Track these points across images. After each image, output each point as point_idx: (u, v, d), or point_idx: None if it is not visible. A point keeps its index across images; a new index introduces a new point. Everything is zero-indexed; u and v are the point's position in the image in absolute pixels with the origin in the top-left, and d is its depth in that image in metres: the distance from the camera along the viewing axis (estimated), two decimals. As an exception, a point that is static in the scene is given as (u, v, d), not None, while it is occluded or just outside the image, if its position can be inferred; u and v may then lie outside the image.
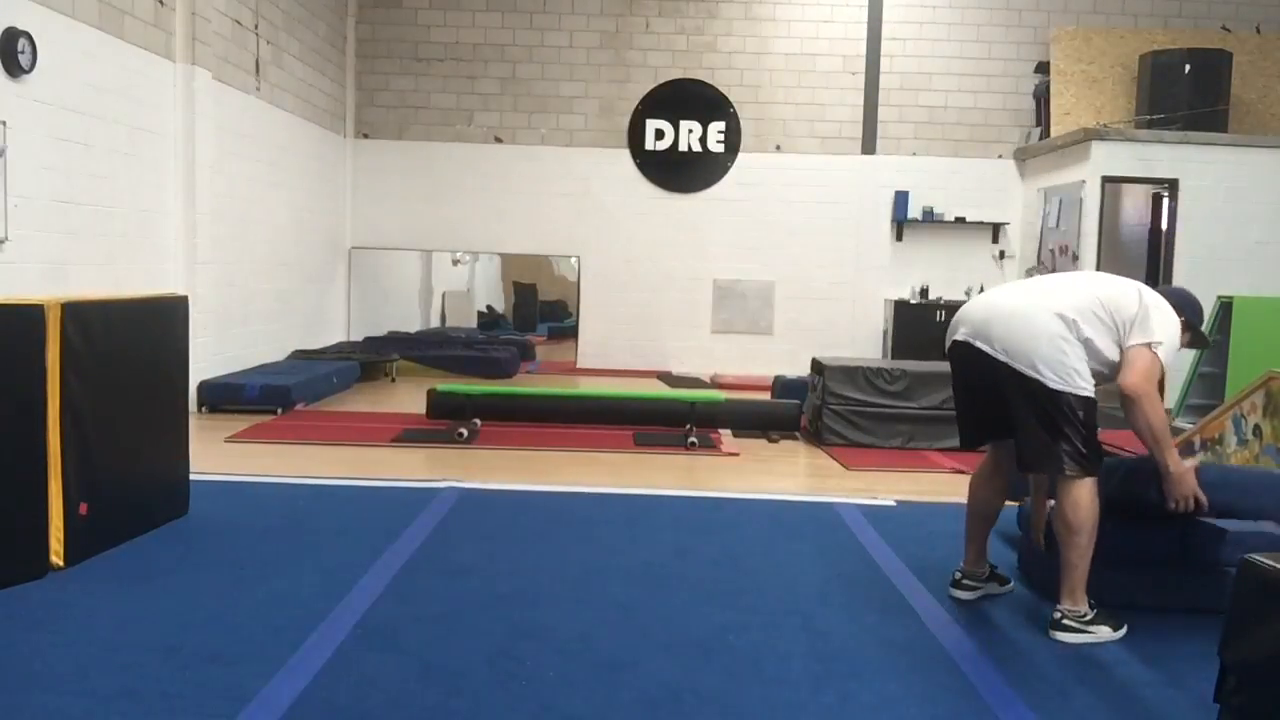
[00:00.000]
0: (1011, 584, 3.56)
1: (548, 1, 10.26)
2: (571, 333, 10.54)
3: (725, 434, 6.69)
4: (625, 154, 10.27)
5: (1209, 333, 7.49)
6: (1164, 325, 3.07)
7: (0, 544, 3.23)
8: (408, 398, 7.90)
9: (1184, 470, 3.07)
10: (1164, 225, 9.40)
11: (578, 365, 10.41)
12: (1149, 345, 3.03)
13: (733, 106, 10.29)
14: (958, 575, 3.48)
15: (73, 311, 3.47)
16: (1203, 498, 3.07)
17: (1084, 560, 3.09)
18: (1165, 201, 9.38)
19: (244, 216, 7.82)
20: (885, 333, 10.28)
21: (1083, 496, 3.07)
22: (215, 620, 3.02)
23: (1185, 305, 3.26)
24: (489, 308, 10.89)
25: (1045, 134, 9.79)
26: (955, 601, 3.41)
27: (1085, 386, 3.06)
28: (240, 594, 3.27)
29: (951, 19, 10.20)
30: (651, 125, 10.29)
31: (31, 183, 5.36)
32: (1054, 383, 3.04)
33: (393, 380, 9.13)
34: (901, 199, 10.21)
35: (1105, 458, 3.23)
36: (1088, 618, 3.09)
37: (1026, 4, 10.17)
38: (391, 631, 2.97)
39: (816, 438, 6.49)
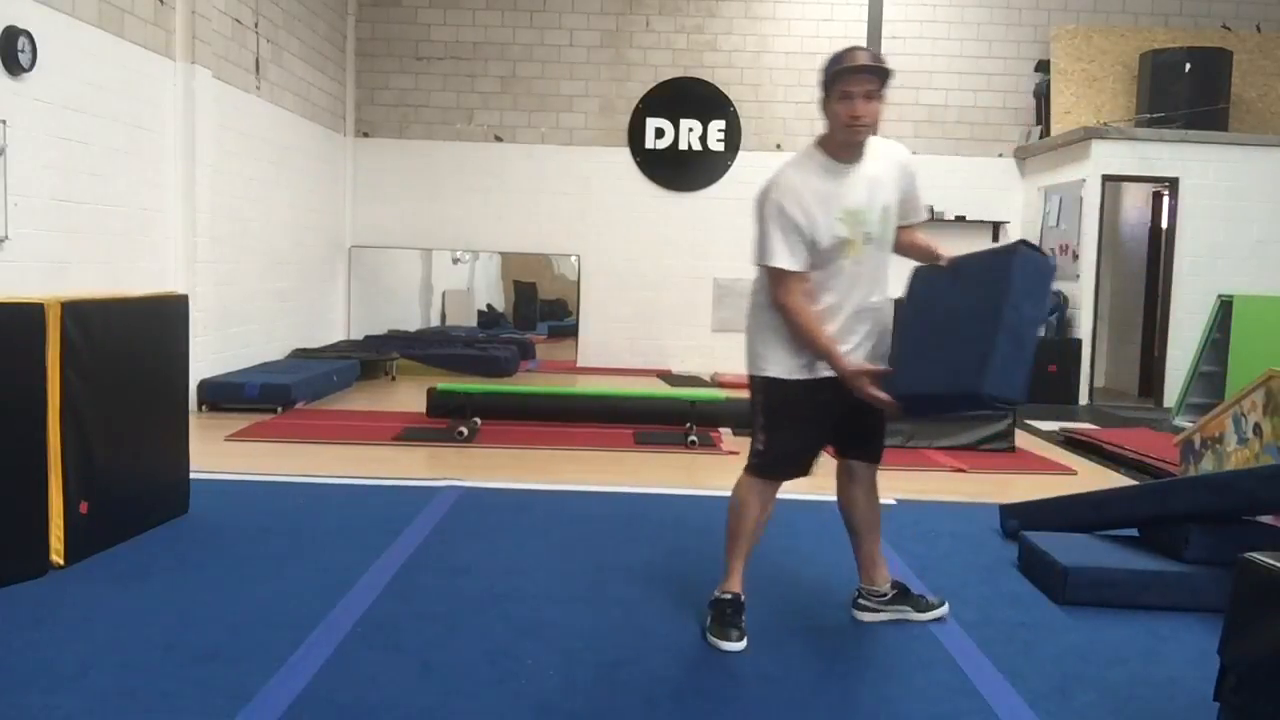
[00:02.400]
0: (942, 610, 3.19)
1: (548, 0, 10.26)
2: (572, 331, 10.54)
3: (726, 433, 6.69)
4: (625, 153, 10.27)
5: (1208, 331, 7.52)
6: (761, 240, 2.88)
7: (0, 542, 3.23)
8: (408, 396, 7.90)
9: (853, 370, 2.82)
10: (1164, 224, 9.40)
11: (578, 364, 10.41)
12: (761, 266, 2.91)
13: (733, 105, 10.28)
14: (855, 593, 3.26)
15: (73, 310, 3.47)
16: (882, 397, 2.81)
17: (732, 544, 3.06)
18: (1166, 200, 9.38)
19: (244, 215, 7.82)
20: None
21: (740, 489, 3.08)
22: (215, 619, 3.02)
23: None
24: (489, 306, 10.88)
25: (1046, 132, 9.79)
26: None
27: (767, 368, 2.98)
28: (240, 593, 3.27)
29: (951, 17, 10.19)
30: (652, 124, 10.28)
31: (31, 181, 5.36)
32: (750, 367, 3.05)
33: (393, 379, 9.13)
34: (902, 198, 10.19)
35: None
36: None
37: (1027, 2, 10.16)
38: (392, 630, 2.97)
39: (816, 436, 6.48)
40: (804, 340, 2.88)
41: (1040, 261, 2.76)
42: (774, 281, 2.88)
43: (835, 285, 2.91)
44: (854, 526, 3.29)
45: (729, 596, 3.02)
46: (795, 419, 3.02)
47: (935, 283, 2.91)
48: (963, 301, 2.74)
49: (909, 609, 3.19)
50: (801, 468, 3.11)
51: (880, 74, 2.78)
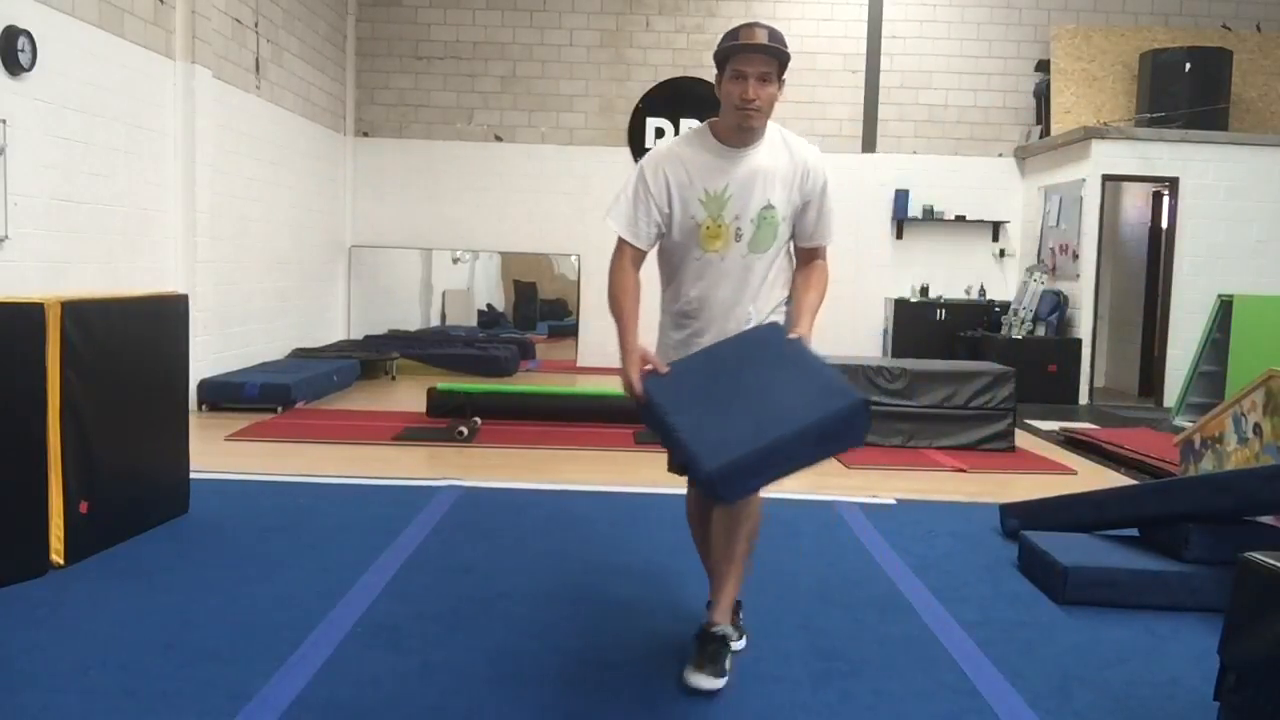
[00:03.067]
0: (704, 682, 2.62)
1: (548, 0, 10.25)
2: (572, 331, 10.54)
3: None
4: (625, 152, 10.26)
5: (1208, 331, 7.52)
6: (615, 199, 2.75)
7: (0, 542, 3.23)
8: (408, 396, 7.90)
9: (629, 364, 2.60)
10: (1164, 224, 9.40)
11: (578, 364, 10.41)
12: None
13: (733, 105, 10.26)
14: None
15: (73, 310, 3.47)
16: (638, 392, 2.57)
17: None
18: (1166, 200, 9.39)
19: (244, 215, 7.82)
20: (885, 331, 10.28)
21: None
22: (215, 618, 3.02)
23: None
24: (489, 306, 10.88)
25: (1046, 132, 9.79)
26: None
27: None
28: (240, 592, 3.27)
29: (951, 17, 10.19)
30: (652, 124, 10.28)
31: (31, 181, 5.36)
32: None
33: (393, 379, 9.13)
34: (902, 197, 10.21)
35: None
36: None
37: (1027, 2, 10.16)
38: (392, 630, 2.97)
39: (817, 436, 6.48)
40: (611, 312, 2.71)
41: (857, 430, 2.46)
42: (616, 247, 2.73)
43: (697, 280, 2.72)
44: (714, 547, 2.84)
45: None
46: None
47: (772, 344, 2.63)
48: (773, 385, 2.46)
49: (695, 644, 2.72)
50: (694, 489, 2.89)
51: (778, 55, 2.57)
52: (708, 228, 2.67)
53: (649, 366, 2.62)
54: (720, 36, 2.67)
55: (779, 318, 2.84)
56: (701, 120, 2.81)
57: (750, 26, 2.60)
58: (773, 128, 2.72)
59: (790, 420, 2.36)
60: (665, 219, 2.69)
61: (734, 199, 2.65)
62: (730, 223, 2.67)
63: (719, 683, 2.62)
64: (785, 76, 2.64)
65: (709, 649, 2.67)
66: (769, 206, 2.67)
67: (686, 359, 2.68)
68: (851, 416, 2.40)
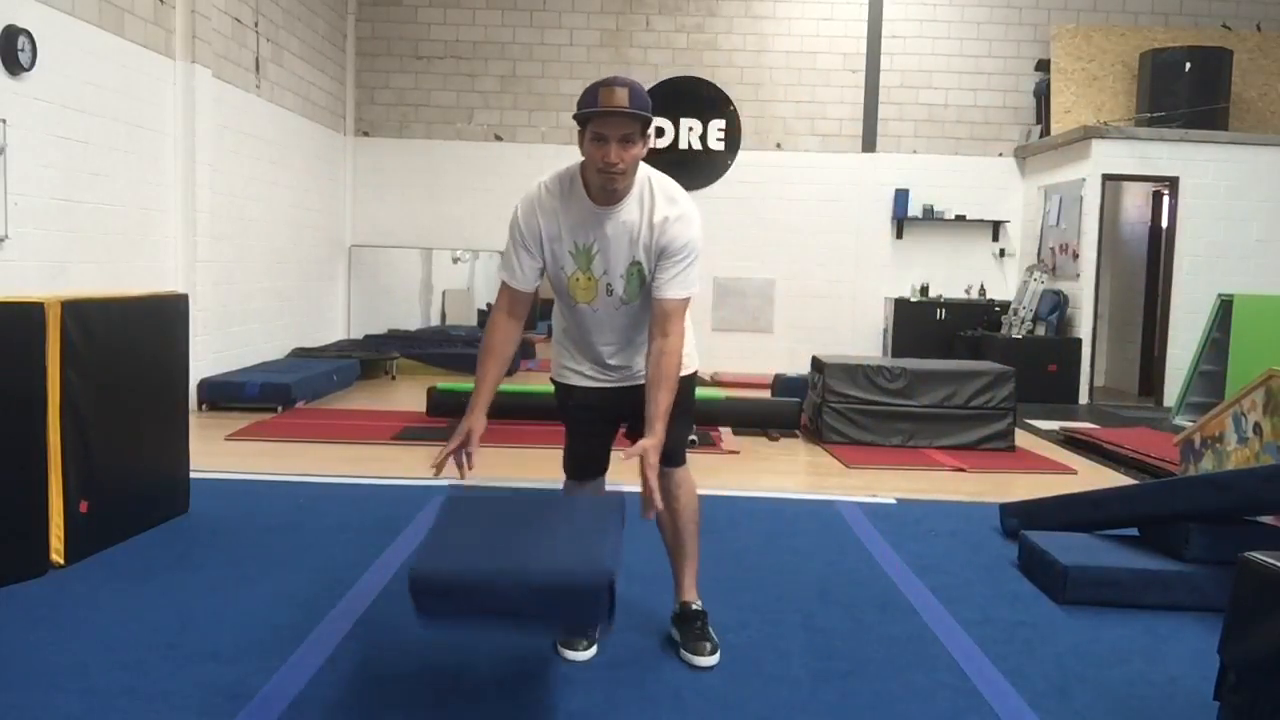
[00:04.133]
0: (703, 660, 2.76)
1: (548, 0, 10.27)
2: (572, 331, 10.52)
3: (725, 432, 6.69)
4: (625, 152, 10.25)
5: (1208, 330, 7.51)
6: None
7: (0, 541, 3.23)
8: (408, 396, 7.90)
9: (461, 430, 2.56)
10: (1164, 223, 9.41)
11: (578, 363, 10.40)
12: None
13: (733, 104, 10.28)
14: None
15: (73, 310, 3.47)
16: (438, 460, 2.52)
17: None
18: (1166, 199, 9.39)
19: (244, 214, 7.82)
20: (885, 331, 10.28)
21: None
22: (215, 618, 3.02)
23: None
24: (489, 306, 10.87)
25: (1045, 132, 9.79)
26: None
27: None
28: (240, 592, 3.27)
29: (951, 16, 10.19)
30: (652, 123, 10.26)
31: (31, 181, 5.36)
32: None
33: (393, 378, 9.13)
34: (901, 197, 10.21)
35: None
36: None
37: (1027, 2, 10.16)
38: (391, 629, 2.97)
39: (817, 436, 6.49)
40: (478, 359, 2.71)
41: (594, 611, 2.20)
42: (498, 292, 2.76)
43: (579, 324, 2.76)
44: (663, 538, 2.97)
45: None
46: (565, 420, 2.95)
47: (584, 508, 2.59)
48: (542, 539, 2.36)
49: (678, 634, 2.86)
50: (574, 469, 2.96)
51: (640, 118, 2.52)
52: (577, 279, 2.67)
53: (465, 449, 2.56)
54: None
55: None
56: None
57: (610, 87, 2.52)
58: (642, 178, 2.66)
59: (523, 569, 2.20)
60: (540, 266, 2.69)
61: (600, 254, 2.64)
62: (600, 276, 2.66)
63: (717, 657, 2.76)
64: (651, 131, 2.59)
65: (695, 627, 2.80)
66: (635, 262, 2.65)
67: (503, 499, 2.61)
68: (587, 593, 2.15)
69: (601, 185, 2.57)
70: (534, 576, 2.17)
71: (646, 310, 2.70)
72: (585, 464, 2.97)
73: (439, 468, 2.52)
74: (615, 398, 2.82)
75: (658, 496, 2.46)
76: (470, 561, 2.25)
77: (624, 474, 3.64)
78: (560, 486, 3.09)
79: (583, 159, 2.64)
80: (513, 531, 2.39)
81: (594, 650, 2.81)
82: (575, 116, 2.57)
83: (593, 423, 2.89)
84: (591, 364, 2.83)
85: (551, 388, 2.99)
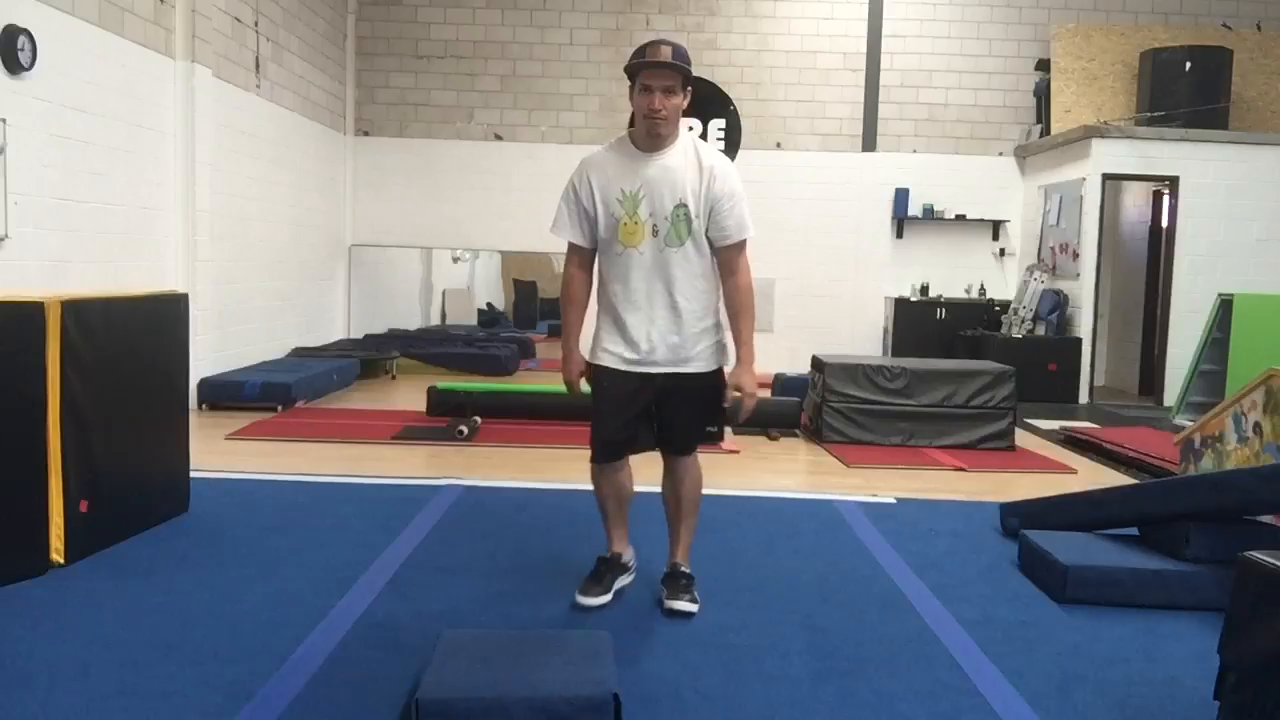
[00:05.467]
0: (685, 606, 3.15)
1: (548, -1, 10.27)
2: (572, 330, 10.52)
3: (725, 431, 6.68)
4: (625, 151, 10.25)
5: (1209, 330, 7.52)
6: (553, 223, 3.20)
7: (1, 540, 3.23)
8: (408, 395, 7.90)
9: (566, 369, 3.22)
10: (1165, 223, 9.40)
11: (578, 363, 10.39)
12: None
13: (733, 104, 10.19)
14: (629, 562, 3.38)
15: (73, 309, 3.47)
16: (576, 387, 3.17)
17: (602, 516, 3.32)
18: (1166, 199, 9.38)
19: (244, 214, 7.82)
20: (885, 330, 10.28)
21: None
22: (215, 617, 3.03)
23: None
24: (489, 305, 10.88)
25: (1046, 131, 9.78)
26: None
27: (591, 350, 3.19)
28: (240, 591, 3.27)
29: (952, 16, 10.19)
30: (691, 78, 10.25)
31: (31, 180, 5.35)
32: None
33: (393, 378, 9.13)
34: (902, 196, 10.20)
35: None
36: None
37: (1027, 1, 10.16)
38: (391, 629, 2.97)
39: (817, 435, 6.49)
40: (561, 308, 3.17)
41: None
42: (567, 253, 3.15)
43: (625, 274, 3.04)
44: (666, 511, 3.37)
45: (604, 555, 3.33)
46: (597, 402, 3.14)
47: (581, 641, 2.68)
48: (548, 659, 2.49)
49: (665, 591, 3.23)
50: (608, 453, 3.17)
51: (681, 70, 2.90)
52: (625, 224, 2.99)
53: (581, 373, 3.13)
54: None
55: (709, 325, 3.11)
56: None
57: (656, 45, 2.93)
58: (685, 137, 3.04)
59: (529, 687, 2.30)
60: (593, 218, 3.03)
61: (647, 197, 2.97)
62: (646, 219, 2.98)
63: (695, 606, 3.13)
64: (690, 87, 2.97)
65: (680, 583, 3.19)
66: (681, 204, 2.97)
67: (497, 635, 2.75)
68: (589, 710, 2.26)
69: (647, 131, 2.95)
70: (538, 696, 2.27)
71: (689, 261, 3.01)
72: (613, 447, 3.15)
73: (578, 392, 3.16)
74: (647, 384, 3.07)
75: (748, 410, 3.08)
76: (473, 685, 2.33)
77: (633, 474, 3.65)
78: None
79: (630, 120, 3.06)
80: (513, 660, 2.49)
81: (609, 597, 3.19)
82: (626, 69, 2.97)
83: (623, 406, 3.09)
84: (627, 344, 3.06)
85: (554, 387, 3.17)
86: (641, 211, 2.97)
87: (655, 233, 2.97)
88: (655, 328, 3.03)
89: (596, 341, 3.13)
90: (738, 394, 3.05)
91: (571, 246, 3.11)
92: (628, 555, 3.37)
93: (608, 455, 3.17)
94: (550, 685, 2.32)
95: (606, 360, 3.08)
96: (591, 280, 3.15)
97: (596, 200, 3.01)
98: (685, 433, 3.18)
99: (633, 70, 2.93)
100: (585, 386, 3.11)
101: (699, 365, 3.08)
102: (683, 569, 3.26)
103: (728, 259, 3.04)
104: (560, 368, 3.24)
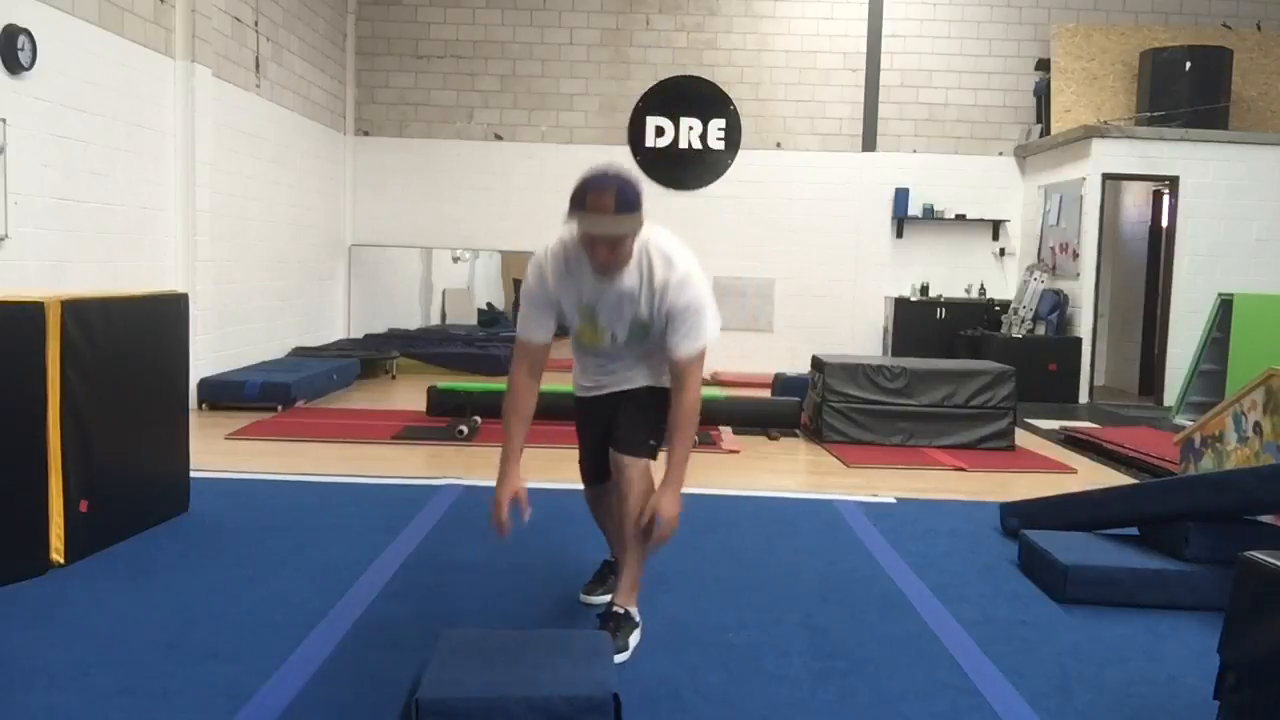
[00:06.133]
0: (596, 599, 3.20)
1: (548, -2, 10.27)
2: (572, 330, 10.52)
3: (726, 431, 6.69)
4: (625, 151, 10.25)
5: (1208, 329, 7.52)
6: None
7: (1, 540, 3.23)
8: (408, 395, 7.90)
9: (499, 488, 2.82)
10: (1165, 223, 9.40)
11: (578, 362, 10.39)
12: None
13: (733, 104, 10.28)
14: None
15: (73, 309, 3.47)
16: (502, 515, 2.77)
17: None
18: (1166, 199, 9.38)
19: (244, 214, 7.82)
20: (885, 330, 10.28)
21: None
22: (215, 617, 3.03)
23: None
24: (489, 305, 10.88)
25: (1046, 131, 9.78)
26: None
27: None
28: (240, 591, 3.27)
29: (952, 16, 10.19)
30: (652, 122, 10.27)
31: (31, 180, 5.35)
32: None
33: (393, 377, 9.13)
34: (902, 196, 10.20)
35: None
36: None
37: (1027, 1, 10.15)
38: (391, 629, 2.97)
39: (817, 435, 6.49)
40: (503, 419, 2.89)
41: None
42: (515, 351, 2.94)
43: (588, 359, 3.02)
44: (607, 538, 3.33)
45: (610, 559, 3.33)
46: (577, 429, 3.20)
47: (581, 639, 2.66)
48: (546, 659, 2.48)
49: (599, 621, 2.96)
50: (590, 475, 3.21)
51: (628, 222, 2.60)
52: (584, 330, 2.90)
53: (515, 498, 2.80)
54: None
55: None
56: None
57: (599, 191, 2.56)
58: (641, 243, 2.74)
59: (528, 687, 2.30)
60: (553, 315, 2.87)
61: (604, 313, 2.83)
62: (604, 327, 2.87)
63: (623, 656, 2.76)
64: (643, 212, 2.66)
65: (609, 624, 2.85)
66: (636, 319, 2.81)
67: (497, 634, 2.72)
68: (589, 710, 2.25)
69: (594, 270, 2.73)
70: (538, 696, 2.27)
71: (648, 345, 2.89)
72: (599, 469, 3.13)
73: (501, 527, 2.76)
74: (608, 403, 3.02)
75: (658, 536, 2.75)
76: (474, 687, 2.32)
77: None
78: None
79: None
80: (513, 660, 2.48)
81: (610, 596, 3.00)
82: (569, 213, 2.64)
83: (595, 427, 3.10)
84: (593, 379, 3.07)
85: (554, 387, 3.20)
86: (599, 321, 2.85)
87: (614, 339, 2.87)
88: (614, 376, 3.00)
89: (575, 379, 3.15)
90: (649, 512, 2.73)
91: (521, 350, 2.87)
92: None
93: (596, 477, 3.19)
94: (550, 685, 2.31)
95: (581, 393, 3.11)
96: (537, 391, 2.91)
97: (559, 306, 2.85)
98: (627, 426, 2.89)
99: (572, 211, 2.61)
100: (505, 515, 2.78)
101: (644, 382, 2.98)
102: (616, 609, 2.89)
103: (678, 371, 2.78)
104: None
